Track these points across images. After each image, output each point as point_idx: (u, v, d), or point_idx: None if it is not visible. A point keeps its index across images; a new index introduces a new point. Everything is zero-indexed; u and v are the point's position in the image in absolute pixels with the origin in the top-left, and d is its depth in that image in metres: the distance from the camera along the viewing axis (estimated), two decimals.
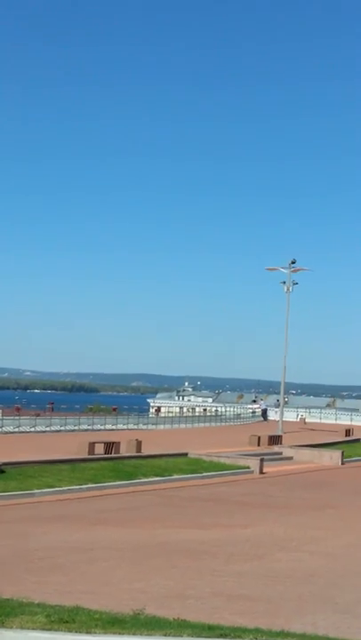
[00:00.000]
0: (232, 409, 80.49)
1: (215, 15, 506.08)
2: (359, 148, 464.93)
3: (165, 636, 8.04)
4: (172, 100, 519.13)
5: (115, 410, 63.81)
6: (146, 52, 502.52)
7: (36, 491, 22.85)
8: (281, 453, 38.40)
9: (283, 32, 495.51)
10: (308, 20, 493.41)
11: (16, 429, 43.33)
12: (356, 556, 15.33)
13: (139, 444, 31.25)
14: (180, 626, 8.66)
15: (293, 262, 52.39)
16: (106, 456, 29.27)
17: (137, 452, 30.79)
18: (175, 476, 27.90)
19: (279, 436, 43.52)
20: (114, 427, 49.27)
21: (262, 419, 73.71)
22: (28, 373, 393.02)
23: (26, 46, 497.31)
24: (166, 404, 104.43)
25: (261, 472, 31.25)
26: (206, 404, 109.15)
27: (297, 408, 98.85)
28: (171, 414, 74.93)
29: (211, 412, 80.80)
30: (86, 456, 28.42)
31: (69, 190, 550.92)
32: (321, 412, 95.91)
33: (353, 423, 77.45)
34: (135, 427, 51.42)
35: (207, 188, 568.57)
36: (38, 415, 50.38)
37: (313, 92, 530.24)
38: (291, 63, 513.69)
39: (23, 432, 43.07)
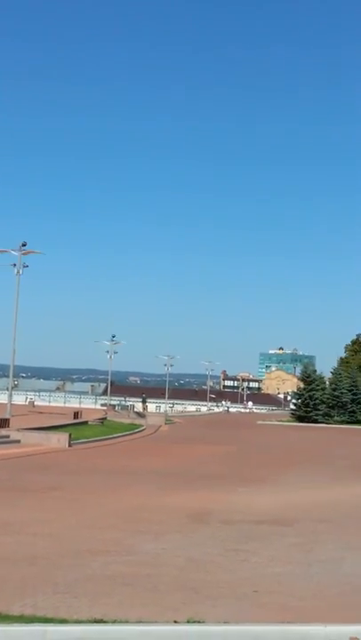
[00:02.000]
0: None
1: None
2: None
3: None
4: None
5: None
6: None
7: None
8: (8, 437, 38.07)
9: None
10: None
11: None
12: (78, 537, 15.56)
13: None
14: None
15: (24, 245, 52.00)
16: None
17: None
18: None
19: (7, 420, 43.11)
20: None
21: None
22: None
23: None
24: None
25: None
26: None
27: (26, 391, 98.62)
28: None
29: None
30: None
31: None
32: (50, 396, 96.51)
33: (82, 406, 78.84)
34: None
35: None
36: None
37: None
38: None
39: None
